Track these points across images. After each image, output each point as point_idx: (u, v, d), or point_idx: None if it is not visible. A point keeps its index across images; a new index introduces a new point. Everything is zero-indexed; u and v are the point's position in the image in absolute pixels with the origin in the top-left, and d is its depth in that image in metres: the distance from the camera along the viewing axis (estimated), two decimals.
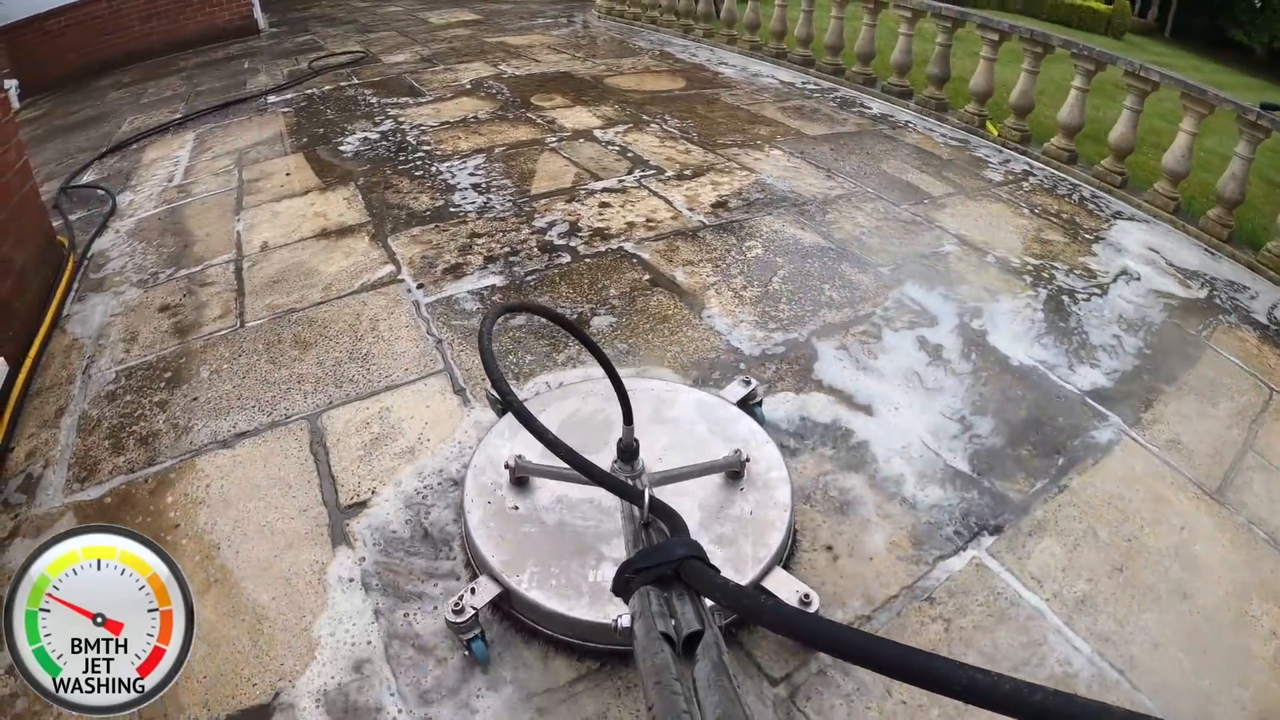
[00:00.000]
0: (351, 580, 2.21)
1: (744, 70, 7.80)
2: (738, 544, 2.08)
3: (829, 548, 2.36)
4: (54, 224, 4.96)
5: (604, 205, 4.51)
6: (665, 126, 5.92)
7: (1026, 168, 5.57)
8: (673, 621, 0.99)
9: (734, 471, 2.26)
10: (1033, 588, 2.32)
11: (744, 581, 1.96)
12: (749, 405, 2.66)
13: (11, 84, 9.05)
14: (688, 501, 2.13)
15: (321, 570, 2.25)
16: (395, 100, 6.87)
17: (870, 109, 6.68)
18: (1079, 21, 22.64)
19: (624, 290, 3.64)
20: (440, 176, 4.99)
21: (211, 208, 4.81)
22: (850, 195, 4.77)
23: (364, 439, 2.72)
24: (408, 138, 5.78)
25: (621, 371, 2.02)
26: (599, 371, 2.02)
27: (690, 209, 4.50)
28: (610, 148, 5.43)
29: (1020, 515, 2.56)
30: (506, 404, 1.53)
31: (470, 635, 1.91)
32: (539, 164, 5.14)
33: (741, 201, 4.61)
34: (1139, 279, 4.08)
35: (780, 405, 2.94)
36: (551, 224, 4.29)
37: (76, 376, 3.24)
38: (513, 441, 2.32)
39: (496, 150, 5.43)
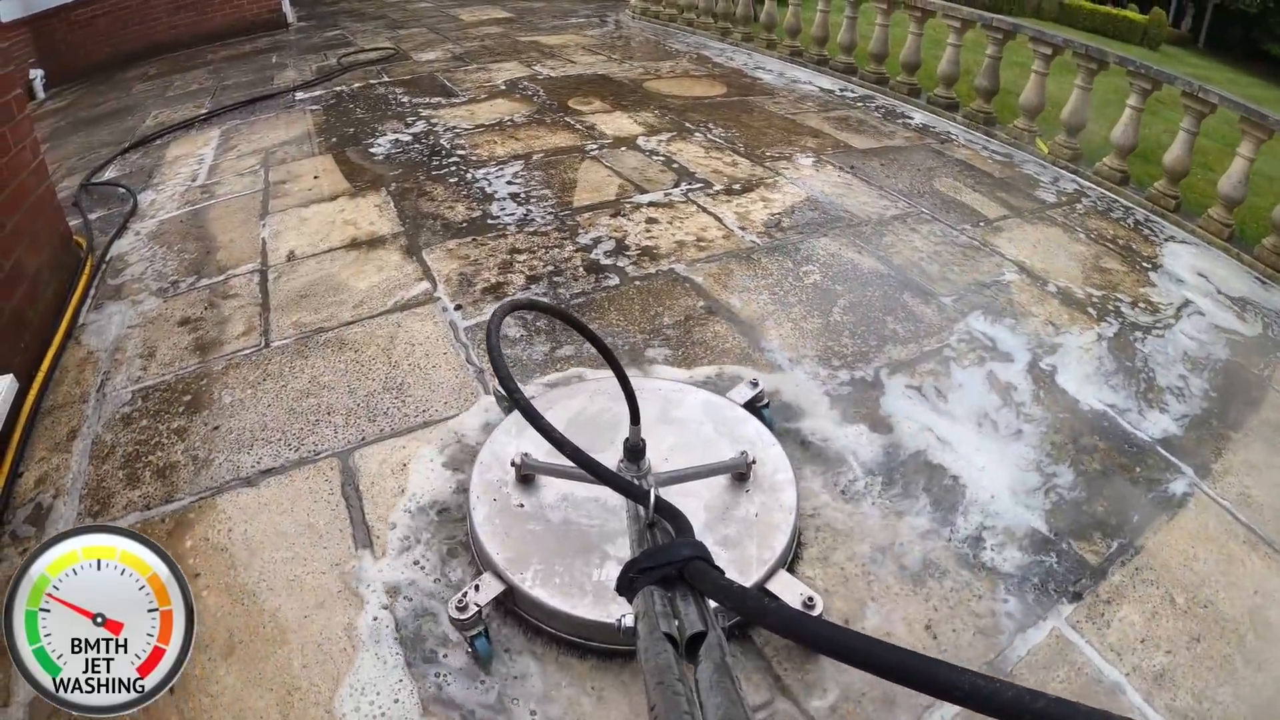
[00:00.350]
0: (387, 647, 2.03)
1: (783, 76, 7.60)
2: (743, 546, 2.08)
3: (908, 619, 2.17)
4: (72, 223, 4.83)
5: (651, 221, 4.31)
6: (709, 135, 5.72)
7: (1078, 188, 5.34)
8: (676, 622, 0.98)
9: (740, 473, 2.26)
10: (1112, 661, 2.15)
11: (748, 583, 1.96)
12: (756, 407, 2.65)
13: (37, 74, 9.04)
14: (693, 502, 2.14)
15: (356, 634, 2.06)
16: (428, 100, 6.70)
17: (913, 119, 6.47)
18: (1114, 31, 22.34)
19: (678, 319, 3.43)
20: (477, 184, 4.80)
21: (236, 211, 4.65)
22: (905, 216, 4.55)
23: (400, 483, 2.51)
24: (441, 140, 5.60)
25: None
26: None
27: (742, 228, 4.28)
28: (654, 158, 5.22)
29: (1098, 580, 2.37)
30: (513, 401, 1.52)
31: (474, 632, 1.92)
32: (580, 173, 4.94)
33: (794, 220, 4.40)
34: (1201, 314, 3.87)
35: (860, 443, 2.76)
36: (597, 240, 4.08)
37: (90, 395, 3.07)
38: (519, 439, 2.35)
39: (535, 157, 5.23)
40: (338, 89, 7.36)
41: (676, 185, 4.78)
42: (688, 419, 2.48)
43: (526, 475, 2.23)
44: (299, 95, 7.28)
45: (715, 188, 4.77)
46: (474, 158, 5.23)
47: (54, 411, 3.00)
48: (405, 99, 6.78)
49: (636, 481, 1.90)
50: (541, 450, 2.17)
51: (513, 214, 4.39)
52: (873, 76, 7.22)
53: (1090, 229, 4.68)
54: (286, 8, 11.37)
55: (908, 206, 4.69)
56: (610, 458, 2.10)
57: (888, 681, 0.69)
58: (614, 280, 3.71)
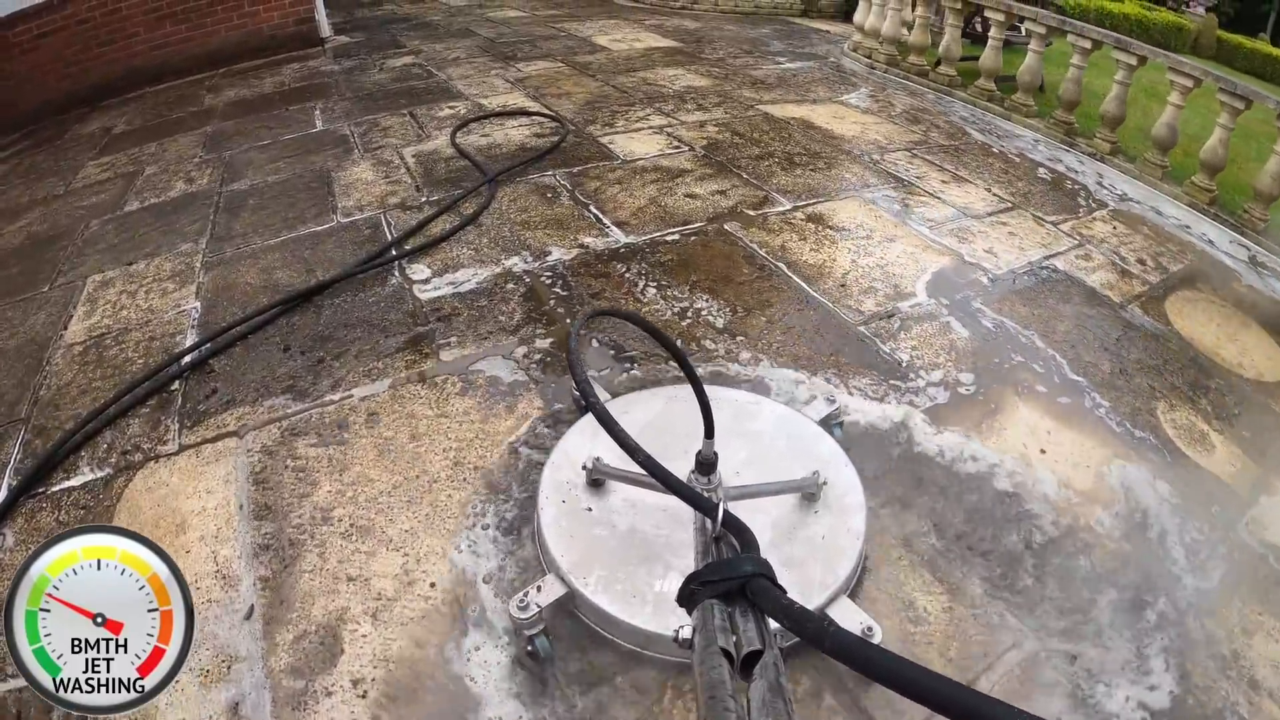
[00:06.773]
0: None
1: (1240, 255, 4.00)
2: (806, 568, 1.93)
3: None
4: None
5: None
6: None
7: None
8: (734, 638, 0.90)
9: (810, 493, 2.09)
10: None
11: (809, 607, 1.73)
12: (829, 424, 2.39)
13: None
14: (761, 519, 1.97)
15: None
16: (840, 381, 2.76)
17: None
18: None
19: None
20: None
21: None
22: None
23: None
24: None
25: None
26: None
27: None
28: None
29: None
30: (588, 405, 1.43)
31: (534, 631, 1.81)
32: None
33: None
34: None
35: None
36: None
37: None
38: (593, 442, 2.18)
39: None
40: (510, 265, 3.34)
41: None
42: (762, 432, 2.30)
43: (596, 479, 2.10)
44: (418, 272, 3.29)
45: None
46: None
47: None
48: (744, 360, 2.76)
49: (706, 494, 1.66)
50: (613, 455, 2.01)
51: None
52: None
53: None
54: (320, 15, 7.31)
55: None
56: (682, 467, 1.85)
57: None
58: None
